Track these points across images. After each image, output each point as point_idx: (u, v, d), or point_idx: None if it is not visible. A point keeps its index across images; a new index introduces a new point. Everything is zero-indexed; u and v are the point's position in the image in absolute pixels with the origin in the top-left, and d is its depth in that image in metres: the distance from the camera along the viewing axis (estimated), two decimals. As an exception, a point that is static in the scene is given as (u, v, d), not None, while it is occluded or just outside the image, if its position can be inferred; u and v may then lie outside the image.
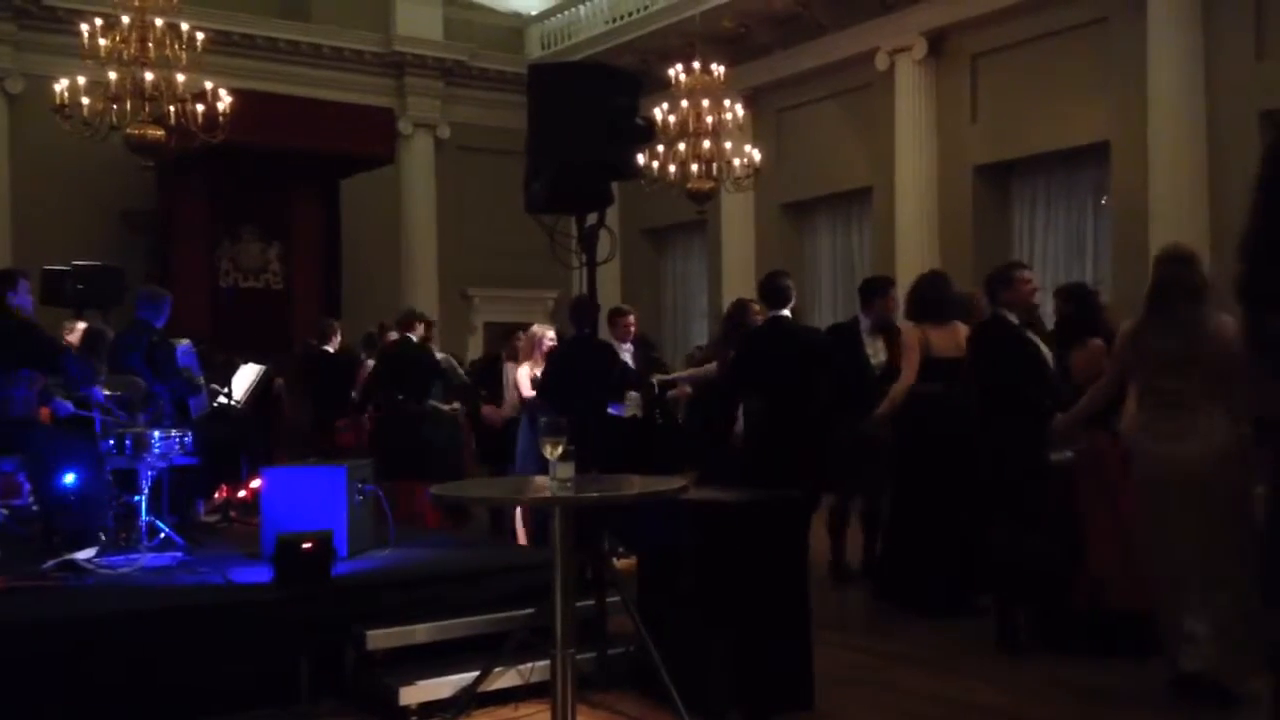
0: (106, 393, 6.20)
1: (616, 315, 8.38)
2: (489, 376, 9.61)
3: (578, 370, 6.90)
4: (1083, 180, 13.91)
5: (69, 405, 6.66)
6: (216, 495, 7.82)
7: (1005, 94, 14.12)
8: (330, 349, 10.41)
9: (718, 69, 12.77)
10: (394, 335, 9.88)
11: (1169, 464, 4.31)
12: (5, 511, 6.57)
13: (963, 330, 6.20)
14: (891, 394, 6.34)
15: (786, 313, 6.73)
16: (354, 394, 10.28)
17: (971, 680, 4.91)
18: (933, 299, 6.37)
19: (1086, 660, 5.07)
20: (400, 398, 9.21)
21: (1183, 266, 4.47)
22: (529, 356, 8.22)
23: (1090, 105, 13.13)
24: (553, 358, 7.66)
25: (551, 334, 8.30)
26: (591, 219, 4.89)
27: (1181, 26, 12.10)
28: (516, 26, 19.53)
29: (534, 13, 19.43)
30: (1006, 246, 14.50)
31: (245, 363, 8.57)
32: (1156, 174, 12.22)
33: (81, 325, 8.76)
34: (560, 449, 3.76)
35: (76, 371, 6.16)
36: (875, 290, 7.15)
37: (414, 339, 9.50)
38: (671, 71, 12.75)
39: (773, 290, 6.78)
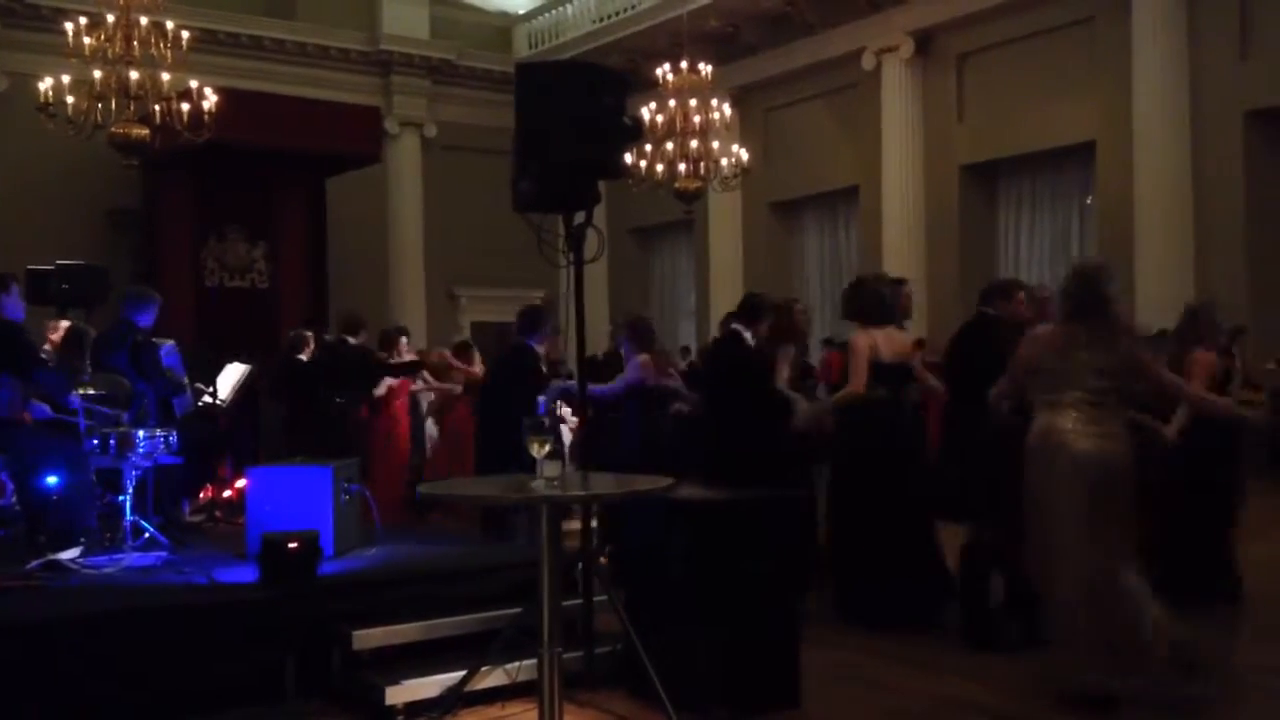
0: (90, 392, 6.16)
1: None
2: None
3: (509, 377, 6.94)
4: (1068, 179, 13.96)
5: (45, 409, 6.62)
6: (201, 495, 7.78)
7: (991, 93, 14.17)
8: (303, 357, 10.43)
9: (705, 68, 12.77)
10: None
11: (1098, 462, 4.45)
12: (-11, 512, 6.54)
13: (901, 335, 6.22)
14: (835, 399, 6.29)
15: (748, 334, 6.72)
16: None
17: (958, 678, 4.92)
18: (875, 302, 6.29)
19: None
20: (338, 400, 9.15)
21: (1101, 279, 4.65)
22: None
23: (1076, 105, 13.18)
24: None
25: None
26: (579, 218, 4.88)
27: (1166, 26, 12.17)
28: (504, 25, 19.52)
29: (521, 12, 19.42)
30: (992, 245, 14.56)
31: (229, 361, 8.53)
32: (1141, 173, 12.28)
33: (64, 324, 8.70)
34: (547, 448, 3.76)
35: (49, 386, 6.15)
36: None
37: (351, 340, 9.49)
38: (659, 71, 12.75)
39: (752, 308, 6.74)
